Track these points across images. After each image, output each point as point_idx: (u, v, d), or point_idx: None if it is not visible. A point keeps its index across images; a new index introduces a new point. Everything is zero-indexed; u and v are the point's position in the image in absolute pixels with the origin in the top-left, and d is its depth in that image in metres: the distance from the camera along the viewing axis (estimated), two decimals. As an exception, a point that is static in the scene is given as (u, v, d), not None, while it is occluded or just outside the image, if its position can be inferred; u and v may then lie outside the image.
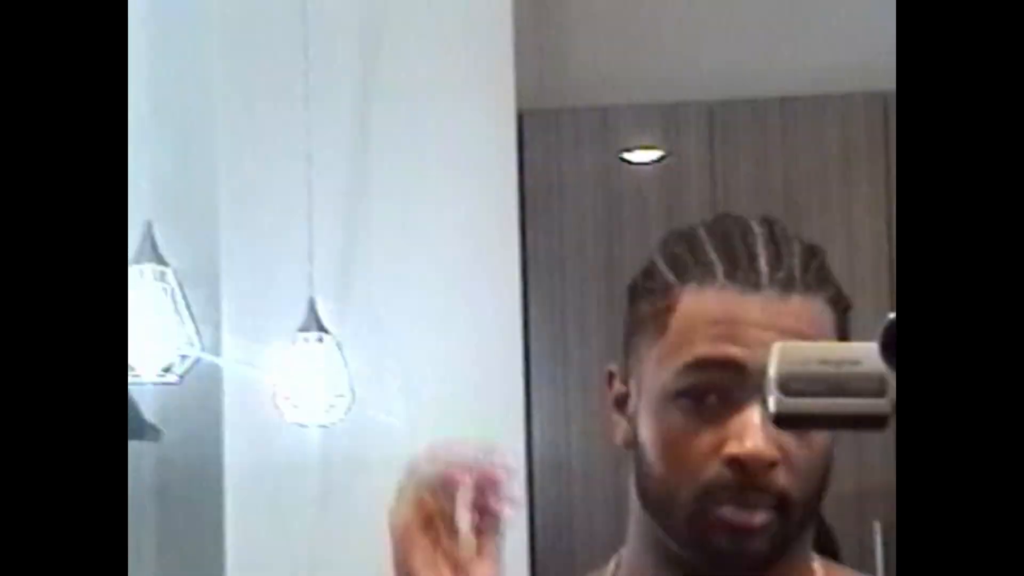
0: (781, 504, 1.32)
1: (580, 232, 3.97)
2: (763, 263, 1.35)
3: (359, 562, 3.77)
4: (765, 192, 3.91)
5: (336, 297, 3.79)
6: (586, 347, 3.92)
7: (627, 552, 1.43)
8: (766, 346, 1.24)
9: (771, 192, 3.91)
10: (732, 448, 1.30)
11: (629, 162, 4.01)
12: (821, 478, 1.34)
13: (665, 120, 4.03)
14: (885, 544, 3.85)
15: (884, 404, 1.07)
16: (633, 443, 1.38)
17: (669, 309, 1.36)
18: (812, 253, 1.39)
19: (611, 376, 1.41)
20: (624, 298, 1.42)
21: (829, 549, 1.45)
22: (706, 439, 1.32)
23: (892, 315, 1.02)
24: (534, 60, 4.14)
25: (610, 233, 3.93)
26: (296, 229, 3.68)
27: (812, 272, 1.37)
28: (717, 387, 1.32)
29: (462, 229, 3.93)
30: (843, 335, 1.39)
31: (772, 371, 1.09)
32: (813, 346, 1.18)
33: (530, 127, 4.02)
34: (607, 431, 1.40)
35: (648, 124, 4.04)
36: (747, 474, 1.30)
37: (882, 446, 3.72)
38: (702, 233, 1.39)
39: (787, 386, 1.08)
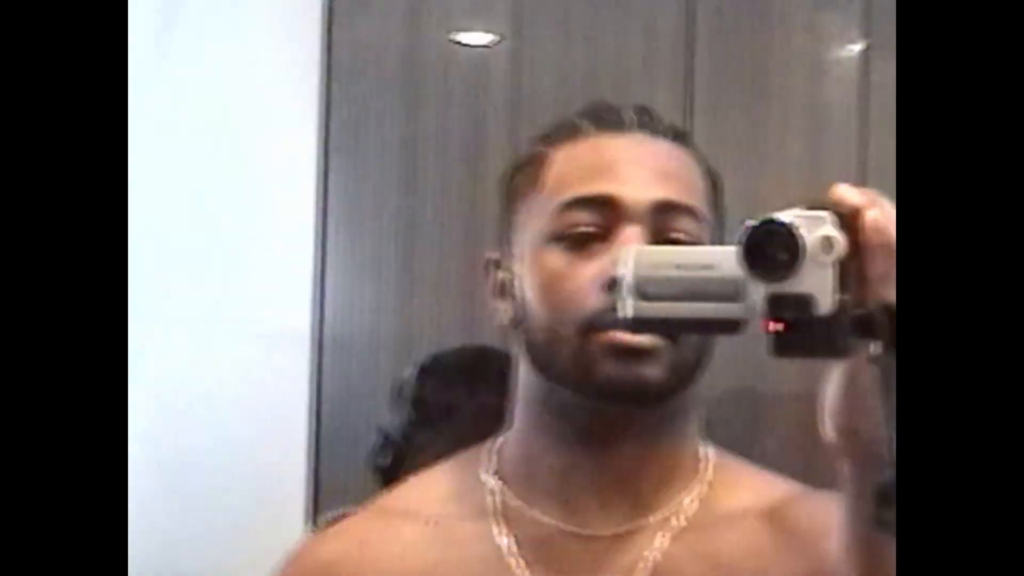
0: None
1: (382, 104, 3.94)
2: (630, 113, 1.39)
3: (145, 418, 3.78)
4: (568, 83, 3.90)
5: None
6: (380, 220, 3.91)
7: (515, 433, 1.41)
8: (637, 180, 1.34)
9: (573, 84, 3.89)
10: (611, 272, 1.27)
11: (457, 43, 3.96)
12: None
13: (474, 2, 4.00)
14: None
15: (738, 308, 1.08)
16: (521, 319, 1.38)
17: (541, 168, 1.38)
18: (680, 129, 1.43)
19: (489, 264, 1.42)
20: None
21: None
22: (586, 272, 1.32)
23: (751, 221, 1.06)
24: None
25: (412, 107, 3.91)
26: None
27: (680, 131, 1.41)
28: (593, 223, 1.32)
29: (263, 99, 3.88)
30: (718, 207, 1.41)
31: (629, 276, 1.11)
32: (670, 250, 1.22)
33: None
34: (492, 317, 1.41)
35: (456, 5, 4.00)
36: None
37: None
38: (570, 114, 1.43)
39: (644, 290, 1.10)
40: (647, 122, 1.38)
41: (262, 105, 3.90)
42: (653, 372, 1.31)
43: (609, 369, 1.31)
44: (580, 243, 1.33)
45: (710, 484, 1.39)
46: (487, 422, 1.49)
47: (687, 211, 1.34)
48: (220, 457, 3.79)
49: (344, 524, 1.43)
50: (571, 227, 1.33)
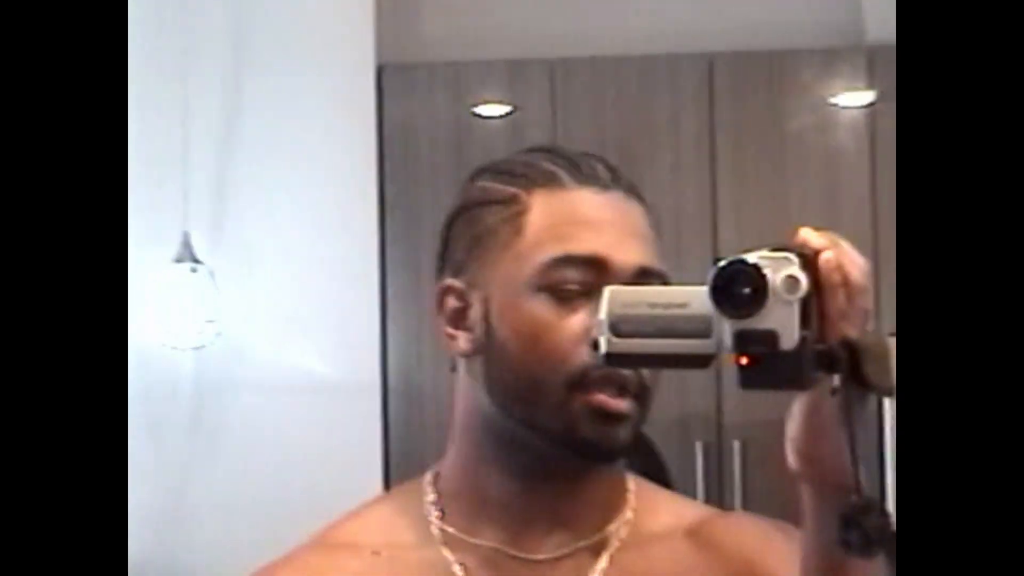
0: (641, 391, 1.35)
1: (433, 179, 4.17)
2: (601, 169, 1.40)
3: (229, 477, 4.02)
4: (602, 145, 4.03)
5: (209, 231, 4.00)
6: (438, 286, 4.17)
7: (455, 461, 1.42)
8: (622, 243, 1.36)
9: (607, 145, 4.10)
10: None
11: (479, 115, 4.23)
12: (659, 374, 1.37)
13: (512, 76, 4.26)
14: (706, 463, 4.08)
15: (709, 344, 1.11)
16: (483, 348, 1.37)
17: (521, 213, 1.37)
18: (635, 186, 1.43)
19: (445, 292, 1.40)
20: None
21: (659, 474, 1.58)
22: (572, 326, 1.33)
23: (723, 261, 1.09)
24: (392, 16, 4.32)
25: (461, 181, 4.16)
26: (173, 169, 3.90)
27: (637, 188, 1.42)
28: (580, 281, 1.33)
29: (326, 172, 4.14)
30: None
31: (603, 314, 1.14)
32: (642, 290, 1.21)
33: (389, 80, 4.22)
34: (447, 345, 1.40)
35: (496, 79, 4.27)
36: None
37: (702, 373, 3.90)
38: (524, 156, 1.43)
39: (617, 328, 1.13)
40: (619, 180, 1.40)
41: (330, 176, 4.17)
42: (624, 434, 1.35)
43: (588, 431, 1.33)
44: (565, 297, 1.34)
45: (635, 509, 1.44)
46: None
47: (659, 276, 1.37)
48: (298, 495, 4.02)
49: (291, 556, 1.42)
50: (559, 282, 1.34)
